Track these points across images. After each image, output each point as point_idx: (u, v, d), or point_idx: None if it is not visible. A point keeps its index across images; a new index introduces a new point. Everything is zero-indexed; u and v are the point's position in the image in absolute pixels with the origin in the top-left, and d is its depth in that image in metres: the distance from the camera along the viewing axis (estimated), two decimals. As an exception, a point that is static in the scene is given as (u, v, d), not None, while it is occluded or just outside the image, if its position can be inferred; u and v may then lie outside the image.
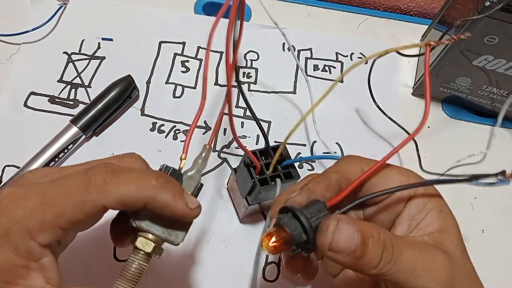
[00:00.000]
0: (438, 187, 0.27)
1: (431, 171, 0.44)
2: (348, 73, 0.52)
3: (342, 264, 0.23)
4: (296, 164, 0.44)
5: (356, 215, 0.30)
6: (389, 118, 0.46)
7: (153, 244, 0.25)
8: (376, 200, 0.28)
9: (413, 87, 0.51)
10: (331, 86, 0.30)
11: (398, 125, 0.46)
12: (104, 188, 0.23)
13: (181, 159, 0.27)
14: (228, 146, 0.45)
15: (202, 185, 0.27)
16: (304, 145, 0.46)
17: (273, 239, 0.23)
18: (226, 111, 0.27)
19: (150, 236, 0.25)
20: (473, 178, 0.25)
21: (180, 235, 0.25)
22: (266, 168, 0.34)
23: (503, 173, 0.25)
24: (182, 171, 0.26)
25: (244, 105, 0.47)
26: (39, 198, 0.23)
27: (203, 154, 0.27)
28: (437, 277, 0.23)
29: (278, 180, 0.33)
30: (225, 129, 0.46)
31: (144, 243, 0.25)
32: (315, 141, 0.46)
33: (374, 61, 0.42)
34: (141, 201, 0.23)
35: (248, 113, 0.47)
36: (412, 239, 0.25)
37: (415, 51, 0.50)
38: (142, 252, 0.25)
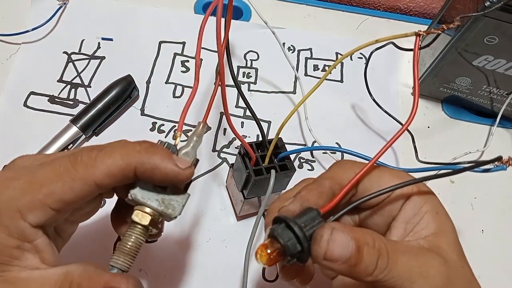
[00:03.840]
0: (438, 185, 0.27)
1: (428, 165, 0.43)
2: (348, 73, 0.52)
3: (337, 272, 0.23)
4: (296, 164, 0.44)
5: (352, 220, 0.30)
6: (386, 112, 0.46)
7: (150, 217, 0.24)
8: (371, 204, 0.27)
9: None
10: (328, 71, 0.31)
11: (395, 119, 0.46)
12: (91, 164, 0.23)
13: (175, 137, 0.27)
14: (228, 146, 0.45)
15: (198, 160, 0.26)
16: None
17: (268, 250, 0.23)
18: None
19: (147, 209, 0.24)
20: (470, 167, 0.25)
21: (177, 209, 0.25)
22: (262, 161, 0.34)
23: (499, 159, 0.25)
24: (178, 148, 0.26)
25: (244, 105, 0.47)
26: (28, 178, 0.23)
27: (198, 131, 0.27)
28: (433, 282, 0.23)
29: (272, 171, 0.33)
30: (225, 129, 0.46)
31: (141, 216, 0.24)
32: (315, 142, 0.46)
33: (370, 55, 0.43)
34: (128, 168, 0.23)
35: (248, 113, 0.47)
36: (407, 244, 0.25)
37: (411, 44, 0.50)
38: (139, 226, 0.24)
